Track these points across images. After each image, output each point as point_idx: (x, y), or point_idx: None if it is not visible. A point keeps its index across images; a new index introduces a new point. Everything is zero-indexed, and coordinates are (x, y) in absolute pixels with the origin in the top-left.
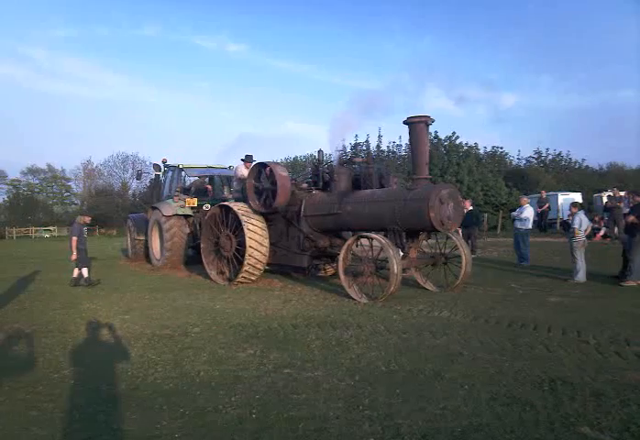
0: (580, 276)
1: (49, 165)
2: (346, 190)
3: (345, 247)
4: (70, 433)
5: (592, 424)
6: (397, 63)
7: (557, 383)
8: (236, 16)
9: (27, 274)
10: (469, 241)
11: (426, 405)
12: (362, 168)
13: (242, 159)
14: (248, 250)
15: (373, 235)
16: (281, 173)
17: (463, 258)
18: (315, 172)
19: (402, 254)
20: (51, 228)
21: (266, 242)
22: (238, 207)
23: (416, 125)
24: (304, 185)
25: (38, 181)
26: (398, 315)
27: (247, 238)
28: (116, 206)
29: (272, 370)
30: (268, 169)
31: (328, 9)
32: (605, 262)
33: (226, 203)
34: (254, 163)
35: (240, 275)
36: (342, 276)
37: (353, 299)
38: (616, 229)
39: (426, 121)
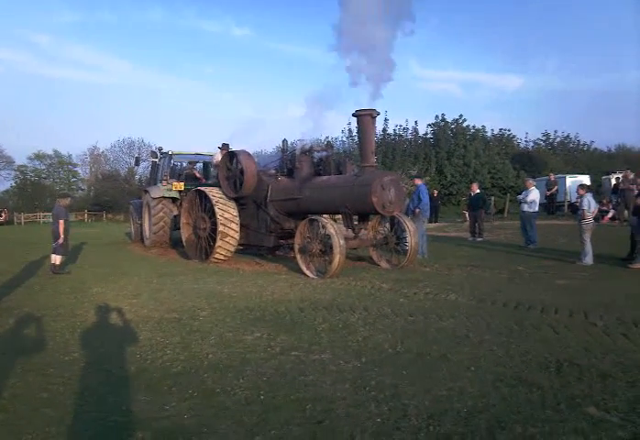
0: (588, 259)
1: (55, 151)
2: (306, 176)
3: (298, 230)
4: (80, 414)
5: (599, 405)
6: (403, 45)
7: (564, 365)
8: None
9: (36, 258)
10: (476, 224)
11: (433, 387)
12: (322, 156)
13: (219, 147)
14: (220, 230)
15: (318, 217)
16: (248, 162)
17: (409, 239)
18: (281, 160)
19: (352, 235)
20: None
21: (236, 223)
22: (211, 192)
23: (363, 117)
24: (272, 171)
25: (44, 167)
26: (405, 298)
27: (218, 220)
28: (123, 191)
29: (280, 353)
30: (237, 157)
31: None
32: (613, 245)
33: (200, 187)
34: (225, 152)
35: (214, 253)
36: (297, 255)
37: (360, 282)
38: (626, 212)
39: (372, 114)
